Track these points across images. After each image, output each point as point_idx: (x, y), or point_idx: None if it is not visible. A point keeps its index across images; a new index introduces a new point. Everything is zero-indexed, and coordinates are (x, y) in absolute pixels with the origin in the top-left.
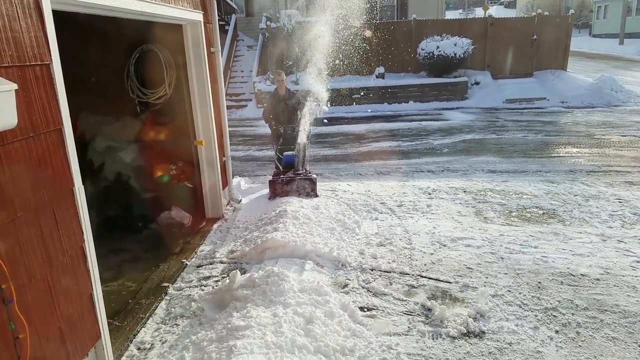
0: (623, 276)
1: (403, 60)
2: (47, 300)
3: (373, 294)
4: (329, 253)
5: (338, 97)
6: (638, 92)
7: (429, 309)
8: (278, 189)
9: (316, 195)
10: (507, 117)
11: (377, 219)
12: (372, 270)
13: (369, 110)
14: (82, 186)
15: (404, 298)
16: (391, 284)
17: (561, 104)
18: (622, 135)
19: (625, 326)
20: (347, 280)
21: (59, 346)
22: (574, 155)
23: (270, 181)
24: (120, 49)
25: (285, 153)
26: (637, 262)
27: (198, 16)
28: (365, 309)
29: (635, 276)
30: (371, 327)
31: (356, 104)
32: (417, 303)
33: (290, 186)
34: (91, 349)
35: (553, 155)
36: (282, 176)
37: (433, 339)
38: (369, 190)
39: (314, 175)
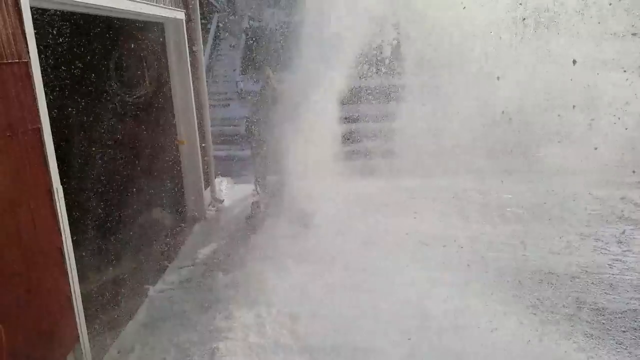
0: (600, 274)
1: None
2: (24, 302)
3: (358, 292)
4: (314, 251)
5: None
6: None
7: (415, 305)
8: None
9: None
10: None
11: (362, 218)
12: (356, 268)
13: None
14: (61, 186)
15: (389, 296)
16: (376, 282)
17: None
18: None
19: (603, 323)
20: (331, 279)
21: (36, 349)
22: (554, 154)
23: (248, 217)
24: (100, 47)
25: (271, 178)
26: (614, 260)
27: (180, 14)
28: (350, 308)
29: (612, 274)
30: (356, 326)
31: None
32: (403, 300)
33: (273, 222)
34: (70, 353)
35: (534, 154)
36: (265, 210)
37: (418, 333)
38: (352, 189)
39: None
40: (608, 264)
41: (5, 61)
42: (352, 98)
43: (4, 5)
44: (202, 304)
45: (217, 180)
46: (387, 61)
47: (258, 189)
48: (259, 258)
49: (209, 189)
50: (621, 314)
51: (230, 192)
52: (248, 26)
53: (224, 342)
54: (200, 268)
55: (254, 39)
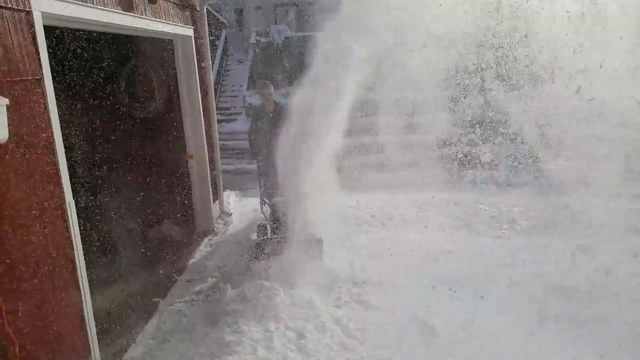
0: (612, 288)
1: None
2: (37, 317)
3: (365, 307)
4: (320, 266)
5: None
6: None
7: (422, 320)
8: (265, 254)
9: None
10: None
11: (368, 232)
12: (363, 283)
13: None
14: (73, 200)
15: (396, 311)
16: (383, 296)
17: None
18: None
19: (617, 338)
20: (338, 294)
21: None
22: (563, 167)
23: (256, 243)
24: (110, 63)
25: (277, 200)
26: (626, 274)
27: (189, 31)
28: (357, 322)
29: (625, 289)
30: (363, 341)
31: None
32: (410, 315)
33: (282, 250)
34: None
35: (543, 166)
36: (272, 236)
37: (425, 349)
38: (358, 202)
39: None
40: (622, 278)
41: (19, 78)
42: (358, 111)
43: (18, 24)
44: (210, 318)
45: (225, 194)
46: (397, 74)
47: (263, 210)
48: (267, 273)
49: (217, 202)
50: (637, 328)
51: (237, 205)
52: (255, 42)
53: (233, 356)
54: (209, 281)
55: (261, 54)
